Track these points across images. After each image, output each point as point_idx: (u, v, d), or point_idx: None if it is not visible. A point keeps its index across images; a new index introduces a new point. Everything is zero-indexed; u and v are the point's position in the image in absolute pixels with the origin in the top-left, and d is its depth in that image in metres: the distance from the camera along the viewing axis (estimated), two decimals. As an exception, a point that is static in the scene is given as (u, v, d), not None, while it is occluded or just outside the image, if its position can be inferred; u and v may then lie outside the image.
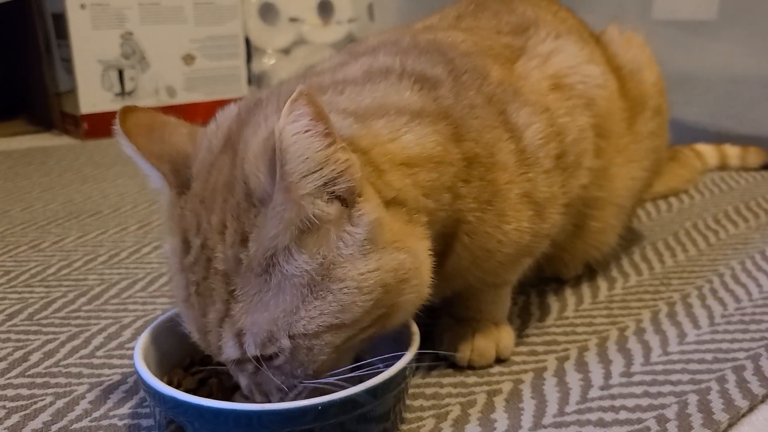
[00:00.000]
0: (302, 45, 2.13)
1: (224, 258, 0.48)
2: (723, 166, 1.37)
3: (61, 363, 0.69)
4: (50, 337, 0.74)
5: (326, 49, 2.18)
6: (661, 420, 0.58)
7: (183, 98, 1.89)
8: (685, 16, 1.66)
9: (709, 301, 0.80)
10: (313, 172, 0.46)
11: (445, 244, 0.60)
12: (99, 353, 0.71)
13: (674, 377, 0.64)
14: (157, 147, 0.54)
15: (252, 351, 0.49)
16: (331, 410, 0.49)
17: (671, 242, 0.99)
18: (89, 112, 1.76)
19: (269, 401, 0.52)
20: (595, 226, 0.78)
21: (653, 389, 0.63)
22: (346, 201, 0.48)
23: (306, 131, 0.45)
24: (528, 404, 0.61)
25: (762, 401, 0.61)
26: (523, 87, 0.67)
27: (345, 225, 0.49)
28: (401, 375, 0.54)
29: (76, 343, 0.73)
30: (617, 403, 0.61)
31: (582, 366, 0.67)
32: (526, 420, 0.59)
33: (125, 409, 0.61)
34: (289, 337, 0.48)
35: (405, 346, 0.56)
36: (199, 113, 1.92)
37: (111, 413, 0.61)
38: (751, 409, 0.60)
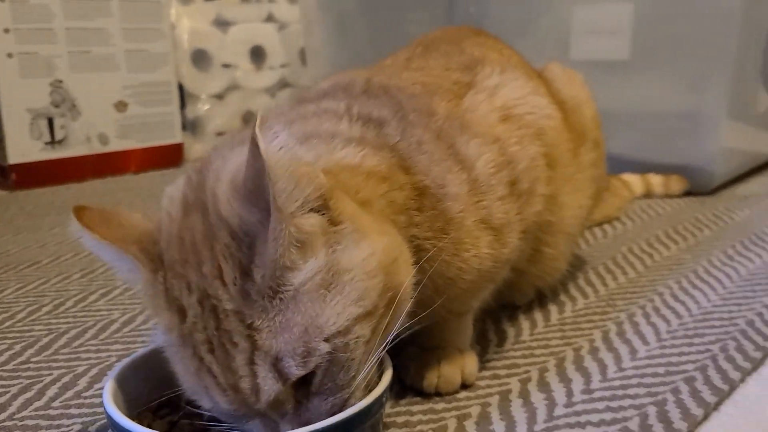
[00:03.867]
0: (236, 90, 2.14)
1: (230, 297, 0.48)
2: (648, 194, 1.45)
3: (16, 416, 0.66)
4: (1, 390, 0.71)
5: (260, 95, 2.20)
6: (626, 432, 0.60)
7: (116, 145, 1.86)
8: (600, 57, 1.76)
9: (654, 318, 0.84)
10: (295, 188, 0.47)
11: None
12: (55, 404, 0.69)
13: (632, 391, 0.67)
14: (119, 233, 0.53)
15: (294, 372, 0.48)
16: None
17: (611, 266, 1.04)
18: (18, 162, 1.71)
19: None
20: (548, 253, 0.82)
21: (614, 404, 0.65)
22: (323, 207, 0.50)
23: (284, 146, 0.46)
24: (498, 426, 0.62)
25: (714, 408, 0.65)
26: (471, 120, 0.70)
27: (330, 228, 0.50)
28: (377, 404, 0.54)
29: (29, 395, 0.70)
30: (582, 419, 0.63)
31: (544, 386, 0.69)
32: (498, 441, 0.60)
33: (90, 459, 0.59)
34: (325, 340, 0.48)
35: (378, 376, 0.57)
36: (132, 160, 1.89)
37: (75, 464, 0.59)
38: (705, 417, 0.64)
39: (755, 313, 0.84)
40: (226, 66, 2.09)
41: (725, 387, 0.68)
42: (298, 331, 0.48)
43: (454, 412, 0.65)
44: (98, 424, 0.65)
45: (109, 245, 0.52)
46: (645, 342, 0.78)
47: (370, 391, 0.54)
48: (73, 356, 0.79)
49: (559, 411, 0.65)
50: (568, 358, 0.75)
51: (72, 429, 0.64)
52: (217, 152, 0.55)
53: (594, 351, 0.76)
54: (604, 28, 1.69)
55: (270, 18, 2.21)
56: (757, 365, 0.73)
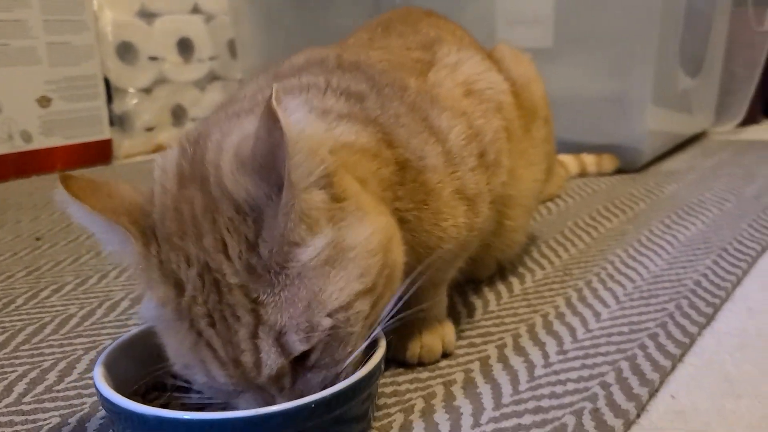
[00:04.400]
0: (164, 84, 2.08)
1: (235, 271, 0.47)
2: (582, 173, 1.52)
3: (-14, 414, 0.63)
4: (-37, 390, 0.68)
5: (189, 88, 2.15)
6: (605, 385, 0.63)
7: (40, 143, 1.78)
8: (525, 44, 1.82)
9: (610, 284, 0.89)
10: (310, 163, 0.47)
11: None
12: (26, 399, 0.66)
13: (602, 349, 0.71)
14: (109, 203, 0.51)
15: (297, 348, 0.48)
16: (315, 410, 0.49)
17: (561, 239, 1.08)
18: (-66, 162, 1.61)
19: None
20: (509, 225, 0.84)
21: (588, 361, 0.68)
22: (328, 184, 0.50)
23: (300, 122, 0.46)
24: (484, 389, 0.64)
25: (679, 360, 0.69)
26: (439, 94, 0.71)
27: (335, 205, 0.50)
28: (374, 373, 0.55)
29: (-4, 392, 0.67)
30: (562, 377, 0.66)
31: (520, 351, 0.72)
32: (487, 403, 0.62)
33: (77, 450, 0.57)
34: (328, 315, 0.48)
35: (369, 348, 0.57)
36: (58, 158, 1.81)
37: (62, 455, 0.57)
38: (673, 368, 0.68)
39: (700, 274, 0.90)
40: (153, 59, 2.03)
41: (686, 340, 0.72)
42: (303, 307, 0.48)
43: (439, 380, 0.67)
44: (78, 415, 0.63)
45: (99, 216, 0.49)
46: (606, 305, 0.82)
47: (358, 366, 0.54)
48: (35, 352, 0.76)
49: (539, 371, 0.67)
50: (537, 324, 0.78)
51: (50, 422, 0.62)
52: (212, 125, 0.55)
53: (560, 316, 0.80)
54: (528, 17, 1.75)
55: (196, 9, 2.16)
56: (710, 320, 0.78)
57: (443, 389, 0.65)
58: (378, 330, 0.57)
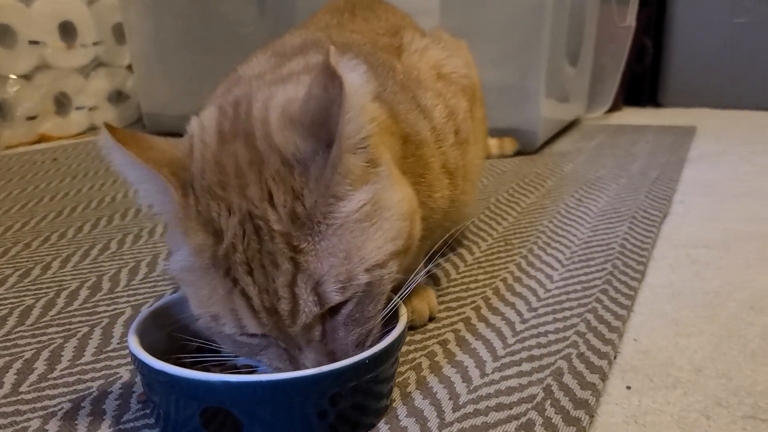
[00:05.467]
0: (46, 70, 1.95)
1: (279, 219, 0.49)
2: (487, 156, 1.62)
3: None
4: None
5: (72, 75, 2.04)
6: (580, 334, 0.72)
7: None
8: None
9: (549, 251, 0.98)
10: (360, 119, 0.49)
11: None
12: (23, 388, 0.64)
13: (566, 305, 0.79)
14: (150, 154, 0.52)
15: (333, 298, 0.50)
16: (361, 369, 0.52)
17: (490, 215, 1.17)
18: None
19: None
20: (463, 199, 0.91)
21: (558, 315, 0.77)
22: (369, 149, 0.53)
23: (360, 87, 0.49)
24: (477, 345, 0.71)
25: (630, 310, 0.79)
26: (418, 76, 0.77)
27: (372, 168, 0.53)
28: (402, 337, 0.58)
29: (-14, 385, 0.64)
30: (541, 329, 0.73)
31: (495, 311, 0.79)
32: (485, 356, 0.68)
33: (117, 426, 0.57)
34: (366, 270, 0.50)
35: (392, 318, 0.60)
36: (-67, 150, 1.66)
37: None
38: (628, 317, 0.78)
39: (622, 239, 1.02)
40: (33, 43, 1.90)
41: (632, 293, 0.82)
42: (341, 258, 0.50)
43: (433, 340, 0.72)
44: (90, 398, 0.62)
45: (142, 164, 0.50)
46: (553, 269, 0.91)
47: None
48: (9, 344, 0.72)
49: (519, 327, 0.74)
50: (500, 288, 0.85)
51: (62, 408, 0.60)
52: (255, 88, 0.57)
53: (518, 280, 0.88)
54: (415, 9, 1.83)
55: (78, -9, 2.05)
56: (643, 276, 0.89)
57: (441, 348, 0.70)
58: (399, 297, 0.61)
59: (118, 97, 2.21)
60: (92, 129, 2.16)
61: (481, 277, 0.89)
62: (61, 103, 2.02)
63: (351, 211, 0.51)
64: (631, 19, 2.19)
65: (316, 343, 0.52)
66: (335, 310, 0.52)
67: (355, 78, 0.48)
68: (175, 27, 2.00)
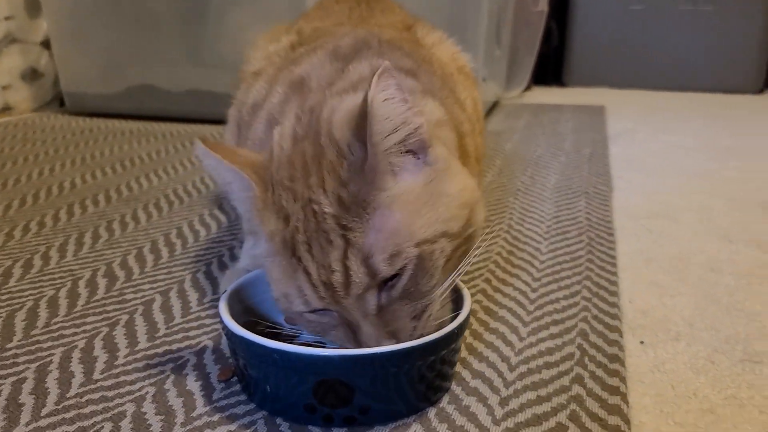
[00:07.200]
0: (-44, 46, 1.83)
1: (329, 203, 0.55)
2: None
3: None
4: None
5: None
6: (586, 299, 0.82)
7: None
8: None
9: (527, 225, 1.08)
10: (394, 131, 0.55)
11: None
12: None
13: (564, 274, 0.89)
14: (236, 158, 0.60)
15: (382, 269, 0.54)
16: (439, 345, 0.58)
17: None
18: None
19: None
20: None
21: (562, 283, 0.86)
22: (420, 150, 0.58)
23: (391, 98, 0.54)
24: (503, 312, 0.79)
25: (617, 275, 0.90)
26: (445, 70, 0.83)
27: (423, 166, 0.58)
28: (469, 318, 0.64)
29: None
30: (552, 297, 0.83)
31: (505, 282, 0.87)
32: (515, 321, 0.76)
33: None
34: (415, 245, 0.55)
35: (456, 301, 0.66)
36: None
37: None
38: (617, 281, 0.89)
39: (584, 213, 1.13)
40: (-58, 17, 1.78)
41: (613, 260, 0.94)
42: (388, 233, 0.55)
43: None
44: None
45: (230, 165, 0.58)
46: (538, 242, 1.01)
47: (441, 325, 0.60)
48: (55, 335, 0.73)
49: (531, 295, 0.83)
50: (499, 261, 0.94)
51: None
52: (328, 97, 0.63)
53: (511, 253, 0.97)
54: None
55: (-15, -39, 1.92)
56: (615, 245, 1.01)
57: (472, 318, 0.78)
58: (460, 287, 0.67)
59: (32, 75, 2.10)
60: (6, 109, 2.04)
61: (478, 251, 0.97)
62: (-25, 83, 1.90)
63: (397, 196, 0.56)
64: (543, 4, 2.34)
65: (373, 318, 0.56)
66: (390, 285, 0.56)
67: (386, 95, 0.54)
68: (94, 3, 1.92)
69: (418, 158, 0.58)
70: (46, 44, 2.08)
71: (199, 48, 1.90)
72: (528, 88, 2.54)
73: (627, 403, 0.62)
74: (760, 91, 2.63)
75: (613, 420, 0.59)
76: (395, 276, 0.56)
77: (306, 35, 0.87)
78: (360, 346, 0.57)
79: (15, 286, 0.85)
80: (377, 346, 0.56)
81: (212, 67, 1.89)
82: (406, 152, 0.57)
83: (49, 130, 1.82)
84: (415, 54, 0.76)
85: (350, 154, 0.55)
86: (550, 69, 2.77)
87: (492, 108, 2.14)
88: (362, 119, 0.54)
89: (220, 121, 1.89)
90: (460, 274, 0.64)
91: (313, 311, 0.58)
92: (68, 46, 1.99)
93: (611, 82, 2.66)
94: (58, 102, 2.18)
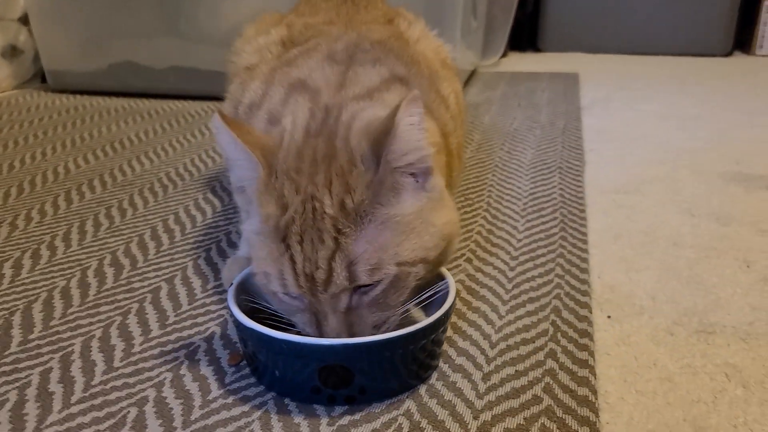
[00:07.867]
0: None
1: (332, 205, 0.60)
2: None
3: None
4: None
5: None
6: (559, 276, 0.89)
7: None
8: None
9: (505, 203, 1.15)
10: (407, 154, 0.61)
11: None
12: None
13: (539, 252, 0.97)
14: (249, 138, 0.63)
15: (362, 278, 0.60)
16: (430, 330, 0.65)
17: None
18: None
19: None
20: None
21: (537, 261, 0.94)
22: (422, 175, 0.64)
23: (414, 125, 0.60)
24: (484, 292, 0.86)
25: (587, 252, 0.98)
26: (430, 65, 0.88)
27: (421, 191, 0.64)
28: (455, 303, 0.71)
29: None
30: (528, 275, 0.90)
31: (485, 261, 0.94)
32: (495, 301, 0.84)
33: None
34: (397, 264, 0.61)
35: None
36: None
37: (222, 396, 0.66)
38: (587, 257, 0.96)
39: (558, 189, 1.20)
40: None
41: (584, 237, 1.01)
42: (377, 247, 0.61)
43: (446, 291, 0.86)
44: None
45: (242, 145, 0.62)
46: (515, 220, 1.08)
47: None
48: (72, 324, 0.79)
49: (509, 274, 0.91)
50: (480, 240, 1.01)
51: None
52: (344, 100, 0.68)
53: (490, 232, 1.04)
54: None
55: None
56: (586, 222, 1.08)
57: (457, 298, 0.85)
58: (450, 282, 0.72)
59: (12, 52, 2.10)
60: (-13, 88, 2.05)
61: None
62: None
63: (393, 215, 0.61)
64: (519, -28, 2.37)
65: (340, 314, 0.62)
66: (363, 291, 0.61)
67: (411, 121, 0.59)
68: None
69: (418, 181, 0.64)
70: (24, 20, 2.08)
71: (180, 23, 1.92)
72: (504, 54, 2.58)
73: (594, 375, 0.69)
74: (729, 54, 2.71)
75: (582, 391, 0.67)
76: (370, 285, 0.62)
77: (297, 30, 0.90)
78: (320, 335, 0.63)
79: (28, 278, 0.90)
80: (336, 338, 0.62)
81: (194, 43, 1.91)
82: (411, 174, 0.63)
83: (34, 109, 1.85)
84: (404, 56, 0.81)
85: (362, 164, 0.60)
86: (525, 35, 2.81)
87: (470, 77, 2.19)
88: (384, 136, 0.59)
89: (204, 97, 1.94)
90: (421, 299, 0.68)
91: (287, 294, 0.64)
92: (47, 22, 1.99)
93: (585, 47, 2.72)
94: (39, 78, 2.19)
